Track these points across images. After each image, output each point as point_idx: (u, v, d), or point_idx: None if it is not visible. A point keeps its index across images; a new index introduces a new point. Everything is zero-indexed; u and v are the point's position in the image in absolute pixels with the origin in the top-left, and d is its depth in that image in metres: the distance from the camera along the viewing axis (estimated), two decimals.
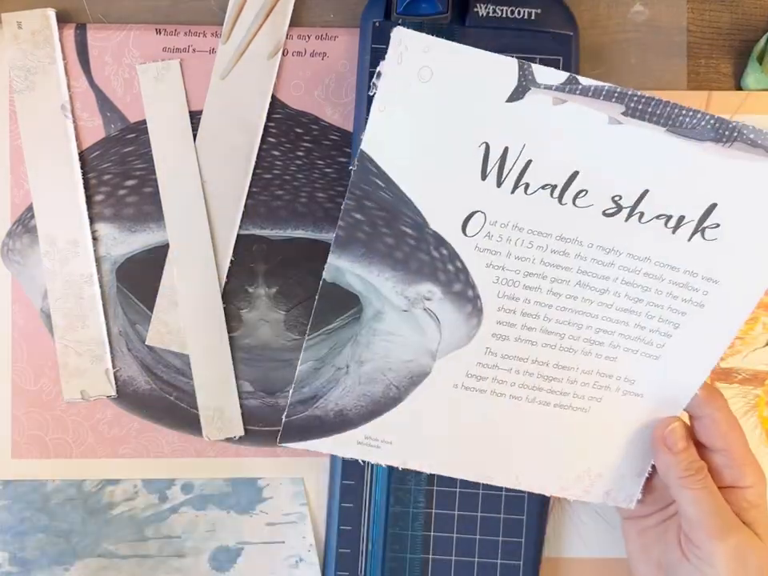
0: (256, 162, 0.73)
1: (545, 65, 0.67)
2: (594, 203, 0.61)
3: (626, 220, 0.61)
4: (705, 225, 0.61)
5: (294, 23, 0.73)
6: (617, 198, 0.60)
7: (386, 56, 0.58)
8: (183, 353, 0.74)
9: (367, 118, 0.67)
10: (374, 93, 0.59)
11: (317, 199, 0.73)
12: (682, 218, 0.61)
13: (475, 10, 0.70)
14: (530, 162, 0.60)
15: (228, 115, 0.73)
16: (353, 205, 0.63)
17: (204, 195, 0.73)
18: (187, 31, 0.73)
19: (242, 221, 0.73)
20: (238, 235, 0.73)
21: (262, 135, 0.73)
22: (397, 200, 0.63)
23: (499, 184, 0.60)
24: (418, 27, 0.68)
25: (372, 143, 0.61)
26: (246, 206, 0.73)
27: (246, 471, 0.75)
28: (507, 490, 0.72)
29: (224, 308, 0.73)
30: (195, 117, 0.73)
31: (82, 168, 0.73)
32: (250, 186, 0.73)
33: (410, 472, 0.72)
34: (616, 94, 0.57)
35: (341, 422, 0.70)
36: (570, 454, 0.69)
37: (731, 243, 0.62)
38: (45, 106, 0.73)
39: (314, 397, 0.70)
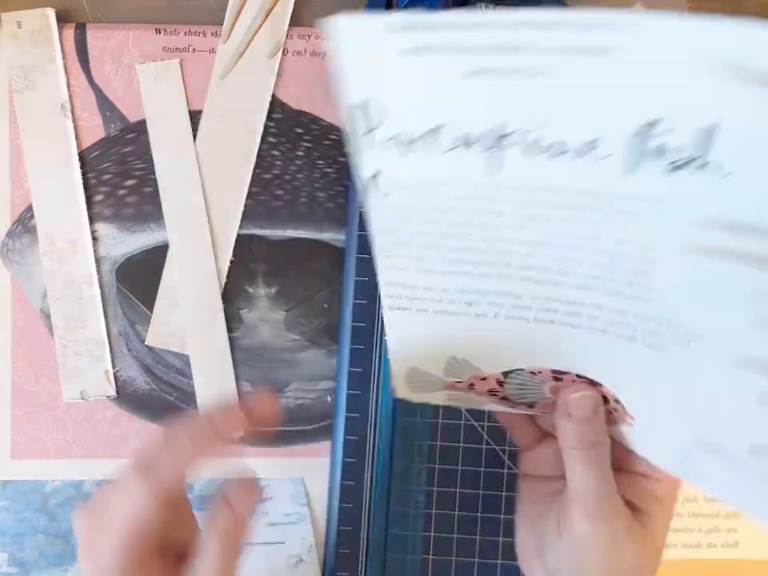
0: (256, 162, 0.73)
1: None
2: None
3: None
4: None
5: (294, 23, 0.73)
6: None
7: None
8: (183, 353, 0.74)
9: None
10: None
11: (317, 199, 0.73)
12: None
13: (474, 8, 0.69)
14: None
15: (228, 115, 0.73)
16: None
17: (204, 195, 0.73)
18: (187, 31, 0.73)
19: (241, 221, 0.73)
20: (238, 235, 0.73)
21: (263, 135, 0.73)
22: None
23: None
24: None
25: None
26: (245, 205, 0.73)
27: (245, 472, 0.74)
28: (508, 489, 0.72)
29: (224, 308, 0.73)
30: (195, 116, 0.73)
31: (81, 168, 0.73)
32: (249, 186, 0.73)
33: (411, 473, 0.72)
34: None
35: None
36: None
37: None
38: (44, 106, 0.72)
39: None
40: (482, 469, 0.73)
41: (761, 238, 0.40)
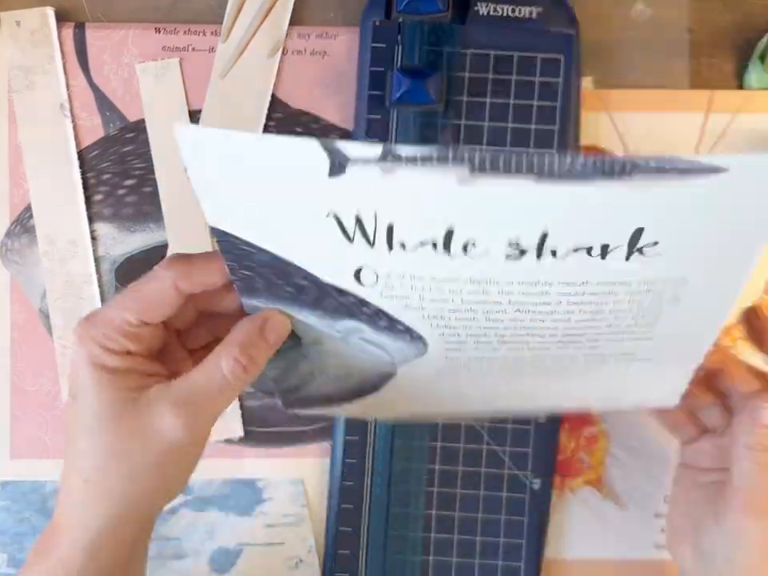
0: None
1: (546, 64, 0.70)
2: (489, 250, 0.49)
3: (538, 258, 0.50)
4: (639, 246, 0.49)
5: (294, 22, 0.73)
6: (514, 244, 0.49)
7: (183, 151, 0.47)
8: None
9: (368, 117, 0.69)
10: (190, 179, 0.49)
11: None
12: (605, 246, 0.49)
13: (476, 8, 0.70)
14: (391, 225, 0.48)
15: (228, 114, 0.73)
16: (235, 266, 0.54)
17: None
18: (186, 30, 0.73)
19: None
20: None
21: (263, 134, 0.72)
22: (276, 261, 0.53)
23: (371, 244, 0.49)
24: (419, 25, 0.69)
25: (216, 218, 0.51)
26: None
27: (245, 472, 0.75)
28: (508, 490, 0.72)
29: None
30: (195, 116, 0.73)
31: (80, 168, 0.73)
32: None
33: (411, 472, 0.72)
34: (451, 158, 0.44)
35: (328, 401, 0.66)
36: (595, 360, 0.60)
37: (682, 253, 0.50)
38: (44, 106, 0.72)
39: (296, 387, 0.65)
40: (482, 469, 0.73)
41: None
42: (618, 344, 0.56)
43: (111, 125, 0.73)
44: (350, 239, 0.49)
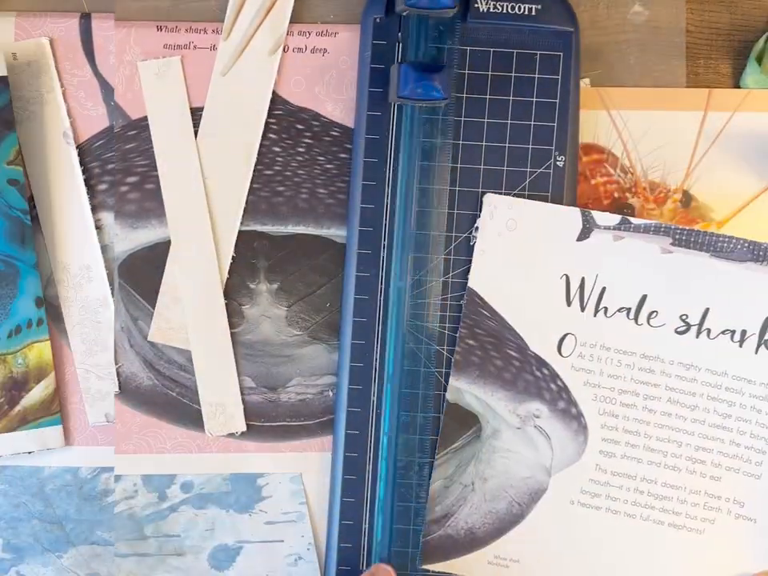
0: (257, 159, 0.73)
1: (545, 61, 0.70)
2: (666, 322, 0.69)
3: (697, 337, 0.69)
4: (766, 338, 0.68)
5: (295, 20, 0.73)
6: (684, 317, 0.69)
7: (481, 214, 0.70)
8: (185, 349, 0.73)
9: (368, 114, 0.70)
10: (474, 242, 0.71)
11: (318, 195, 0.73)
12: (744, 331, 0.68)
13: (476, 5, 0.70)
14: (604, 288, 0.69)
15: (229, 112, 0.73)
16: (466, 333, 0.71)
17: (205, 191, 0.72)
18: (188, 28, 0.73)
19: (243, 217, 0.73)
20: (240, 231, 0.73)
21: (264, 131, 0.73)
22: (501, 327, 0.71)
23: (582, 309, 0.69)
24: (423, 21, 0.69)
25: (477, 281, 0.70)
26: (247, 202, 0.73)
27: (247, 467, 0.74)
28: None
29: (225, 304, 0.73)
30: (197, 113, 0.73)
31: (85, 158, 0.73)
32: (251, 182, 0.73)
33: (412, 468, 0.71)
34: (662, 229, 0.68)
35: (471, 541, 0.72)
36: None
37: None
38: (46, 135, 0.72)
39: (445, 516, 0.72)
40: None
41: None
42: (734, 477, 0.69)
43: (115, 116, 0.73)
44: (569, 302, 0.69)
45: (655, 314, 0.69)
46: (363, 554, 0.72)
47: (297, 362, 0.73)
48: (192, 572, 0.74)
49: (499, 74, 0.70)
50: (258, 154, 0.73)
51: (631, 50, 0.75)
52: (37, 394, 0.72)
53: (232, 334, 0.73)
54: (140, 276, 0.73)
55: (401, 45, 0.70)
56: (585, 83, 0.73)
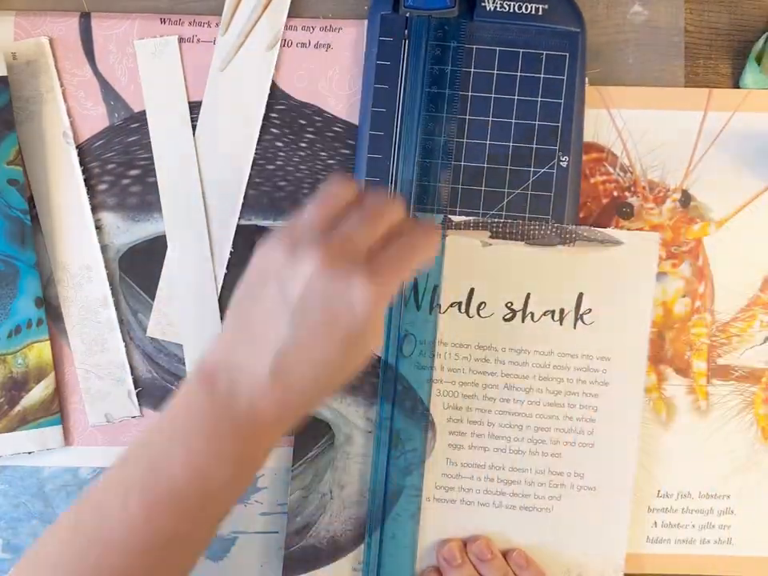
0: (259, 153, 0.72)
1: (551, 61, 0.70)
2: (494, 312, 0.71)
3: (522, 321, 0.71)
4: (581, 312, 0.70)
5: (297, 15, 0.72)
6: (509, 304, 0.71)
7: None
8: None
9: (373, 110, 0.69)
10: None
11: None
12: (562, 310, 0.71)
13: (483, 4, 0.69)
14: (436, 286, 0.70)
15: (227, 106, 0.71)
16: None
17: (202, 185, 0.71)
18: (192, 21, 0.72)
19: (244, 211, 0.72)
20: (241, 226, 0.72)
21: (266, 127, 0.72)
22: None
23: (418, 308, 0.69)
24: (426, 21, 0.69)
25: None
26: (248, 196, 0.72)
27: None
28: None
29: (224, 298, 0.72)
30: (196, 108, 0.72)
31: (85, 158, 0.71)
32: (253, 177, 0.72)
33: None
34: (480, 224, 0.70)
35: (334, 549, 0.71)
36: (546, 556, 0.71)
37: (605, 322, 0.71)
38: (46, 135, 0.71)
39: (305, 526, 0.71)
40: None
41: None
42: (571, 451, 0.71)
43: (116, 114, 0.72)
44: (405, 303, 0.69)
45: (483, 305, 0.71)
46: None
47: None
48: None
49: (505, 73, 0.69)
50: (260, 149, 0.72)
51: (630, 50, 0.73)
52: (37, 394, 0.70)
53: None
54: (141, 269, 0.72)
55: (407, 42, 0.69)
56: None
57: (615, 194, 0.73)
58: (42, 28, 0.71)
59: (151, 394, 0.72)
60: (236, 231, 0.72)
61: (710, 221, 0.73)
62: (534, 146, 0.70)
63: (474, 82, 0.69)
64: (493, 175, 0.70)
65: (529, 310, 0.71)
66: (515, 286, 0.71)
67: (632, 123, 0.72)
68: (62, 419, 0.71)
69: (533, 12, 0.69)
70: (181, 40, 0.71)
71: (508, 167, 0.70)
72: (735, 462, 0.73)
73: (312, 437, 0.71)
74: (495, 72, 0.69)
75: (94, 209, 0.71)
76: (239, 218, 0.71)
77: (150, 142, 0.71)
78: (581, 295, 0.71)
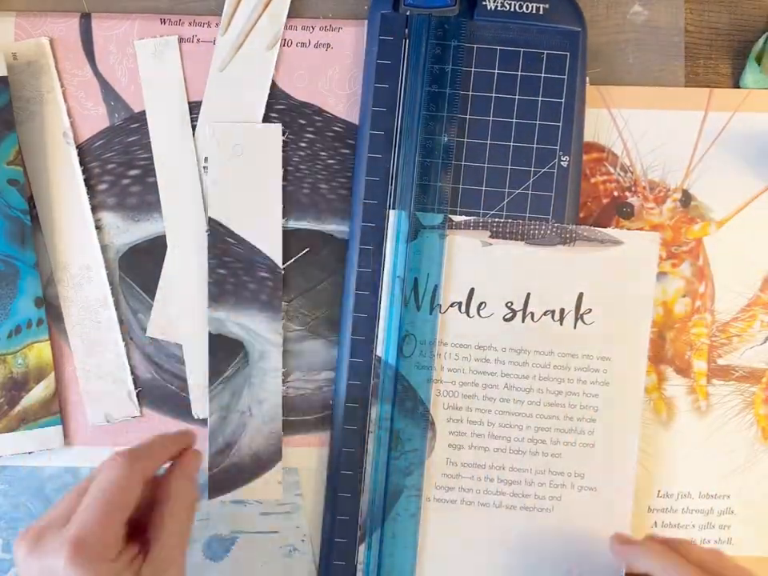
0: None
1: (552, 61, 0.69)
2: (494, 312, 0.70)
3: (523, 321, 0.70)
4: (581, 312, 0.70)
5: (297, 14, 0.71)
6: (509, 304, 0.70)
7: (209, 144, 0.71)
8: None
9: (373, 109, 0.68)
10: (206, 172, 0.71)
11: (319, 190, 0.71)
12: (562, 310, 0.70)
13: (483, 3, 0.68)
14: (436, 286, 0.69)
15: (227, 106, 0.71)
16: (215, 262, 0.70)
17: (202, 185, 0.71)
18: (191, 21, 0.71)
19: None
20: None
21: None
22: (248, 251, 0.71)
23: (418, 308, 0.69)
24: (426, 19, 0.68)
25: (215, 210, 0.70)
26: None
27: None
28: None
29: None
30: (196, 107, 0.71)
31: (85, 158, 0.71)
32: None
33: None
34: (481, 224, 0.69)
35: (257, 466, 0.71)
36: (547, 556, 0.70)
37: (605, 322, 0.70)
38: (47, 135, 0.71)
39: (228, 445, 0.71)
40: None
41: None
42: (571, 451, 0.70)
43: (116, 114, 0.71)
44: (406, 303, 0.69)
45: (484, 305, 0.70)
46: (358, 549, 0.70)
47: (296, 357, 0.72)
48: (186, 562, 0.71)
49: (505, 72, 0.69)
50: None
51: (631, 50, 0.73)
52: (37, 394, 0.70)
53: None
54: (141, 269, 0.71)
55: (408, 41, 0.68)
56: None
57: (616, 193, 0.72)
58: (43, 28, 0.70)
59: (151, 393, 0.72)
60: None
61: (711, 221, 0.72)
62: (535, 145, 0.69)
63: (474, 81, 0.69)
64: (493, 175, 0.69)
65: (529, 309, 0.70)
66: (515, 286, 0.70)
67: (632, 123, 0.72)
68: (62, 419, 0.71)
69: (533, 11, 0.68)
70: (181, 40, 0.71)
71: (508, 167, 0.69)
72: (735, 462, 0.72)
73: (226, 356, 0.71)
74: (496, 71, 0.69)
75: (94, 209, 0.71)
76: None
77: (149, 142, 0.71)
78: (581, 295, 0.70)
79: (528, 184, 0.69)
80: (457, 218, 0.69)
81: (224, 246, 0.70)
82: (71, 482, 0.71)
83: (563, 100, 0.69)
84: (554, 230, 0.69)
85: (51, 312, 0.70)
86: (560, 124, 0.69)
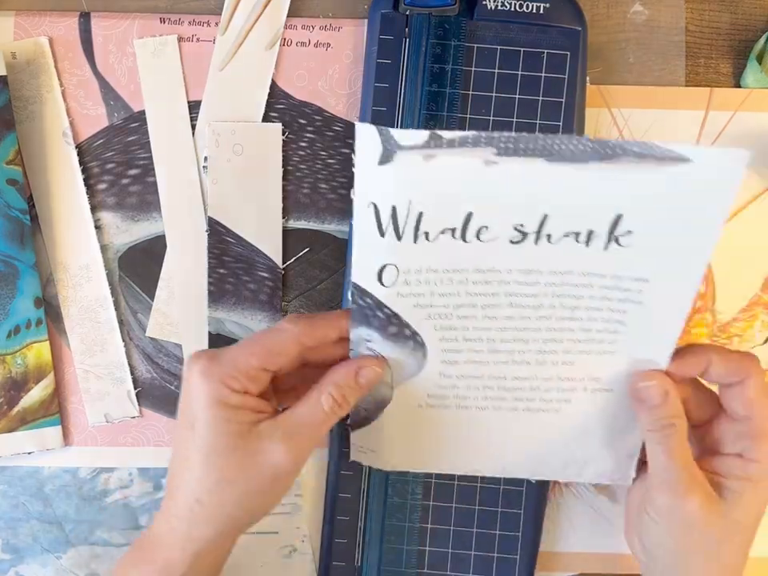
0: None
1: (552, 60, 0.68)
2: (498, 236, 0.57)
3: (536, 243, 0.57)
4: (616, 234, 0.57)
5: (297, 14, 0.71)
6: (519, 227, 0.56)
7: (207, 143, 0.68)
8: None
9: (374, 109, 0.67)
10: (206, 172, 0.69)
11: (319, 190, 0.71)
12: (591, 232, 0.57)
13: (483, 2, 0.68)
14: (421, 213, 0.56)
15: (227, 106, 0.71)
16: (215, 262, 0.70)
17: (201, 185, 0.71)
18: (191, 20, 0.71)
19: None
20: None
21: None
22: (248, 251, 0.70)
23: (399, 238, 0.57)
24: (426, 18, 0.67)
25: (215, 210, 0.70)
26: None
27: None
28: (505, 483, 0.70)
29: None
30: (196, 107, 0.71)
31: (84, 157, 0.71)
32: None
33: None
34: (483, 140, 0.53)
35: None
36: (552, 447, 0.66)
37: (650, 245, 0.57)
38: (46, 135, 0.70)
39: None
40: None
41: None
42: (587, 358, 0.62)
43: (116, 114, 0.71)
44: (382, 233, 0.56)
45: (485, 229, 0.57)
46: (358, 550, 0.70)
47: None
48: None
49: (505, 71, 0.68)
50: None
51: (631, 49, 0.73)
52: (36, 394, 0.70)
53: None
54: (140, 269, 0.71)
55: (408, 40, 0.68)
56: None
57: None
58: (42, 28, 0.70)
59: (151, 394, 0.72)
60: None
61: None
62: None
63: (474, 80, 0.68)
64: None
65: (545, 232, 0.57)
66: (528, 209, 0.56)
67: (633, 122, 0.72)
68: (62, 419, 0.71)
69: (534, 11, 0.68)
70: (180, 39, 0.70)
71: None
72: None
73: None
74: (496, 71, 0.68)
75: (94, 208, 0.70)
76: None
77: (149, 141, 0.70)
78: (619, 217, 0.56)
79: None
80: (448, 134, 0.53)
81: (224, 245, 0.70)
82: (71, 481, 0.71)
83: (563, 99, 0.68)
84: (590, 145, 0.53)
85: (50, 312, 0.70)
86: (560, 123, 0.68)
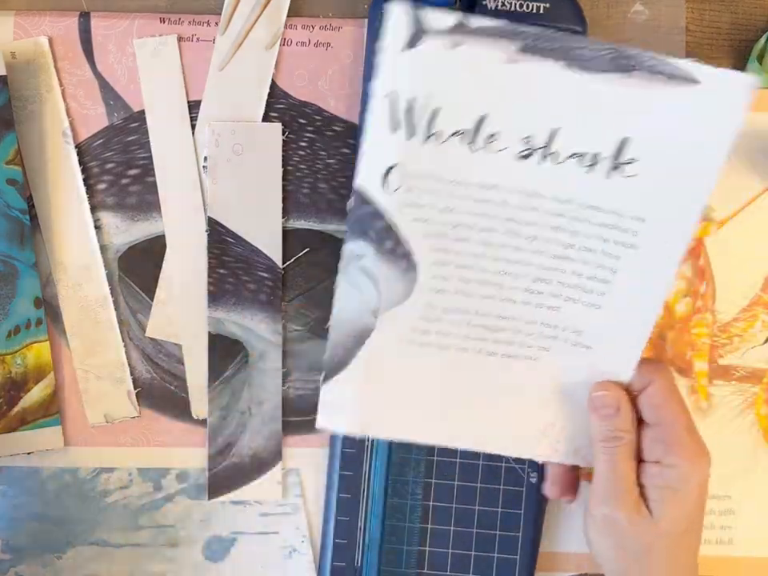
0: None
1: None
2: (507, 146, 0.57)
3: (541, 162, 0.58)
4: (620, 161, 0.57)
5: (297, 14, 0.71)
6: (528, 139, 0.57)
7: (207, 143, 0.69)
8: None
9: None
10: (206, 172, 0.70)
11: (319, 190, 0.71)
12: (596, 155, 0.57)
13: (484, 2, 0.68)
14: (436, 110, 0.56)
15: (227, 106, 0.71)
16: (215, 262, 0.70)
17: (201, 184, 0.71)
18: (191, 20, 0.71)
19: None
20: None
21: None
22: (248, 251, 0.70)
23: (410, 136, 0.57)
24: None
25: (215, 210, 0.69)
26: None
27: None
28: (505, 483, 0.70)
29: None
30: (196, 107, 0.71)
31: (84, 157, 0.71)
32: None
33: (409, 463, 0.70)
34: (509, 32, 0.54)
35: (258, 465, 0.72)
36: (528, 406, 0.64)
37: (651, 178, 0.58)
38: (46, 135, 0.70)
39: (227, 446, 0.71)
40: (481, 462, 0.71)
41: None
42: (573, 307, 0.61)
43: (115, 114, 0.71)
44: (394, 127, 0.56)
45: (495, 136, 0.57)
46: (358, 551, 0.70)
47: (296, 358, 0.72)
48: (186, 563, 0.72)
49: None
50: None
51: None
52: (36, 394, 0.70)
53: None
54: (140, 269, 0.71)
55: None
56: None
57: None
58: (42, 27, 0.70)
59: (150, 394, 0.72)
60: None
61: (712, 221, 0.72)
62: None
63: None
64: None
65: (552, 149, 0.57)
66: (540, 119, 0.56)
67: None
68: (62, 420, 0.71)
69: (534, 11, 0.68)
70: (180, 39, 0.70)
71: None
72: (736, 463, 0.72)
73: (225, 356, 0.70)
74: None
75: (93, 208, 0.70)
76: None
77: (149, 141, 0.70)
78: (625, 140, 0.56)
79: None
80: (476, 22, 0.54)
81: (224, 245, 0.70)
82: (71, 482, 0.71)
83: None
84: (609, 51, 0.55)
85: (50, 312, 0.70)
86: None
